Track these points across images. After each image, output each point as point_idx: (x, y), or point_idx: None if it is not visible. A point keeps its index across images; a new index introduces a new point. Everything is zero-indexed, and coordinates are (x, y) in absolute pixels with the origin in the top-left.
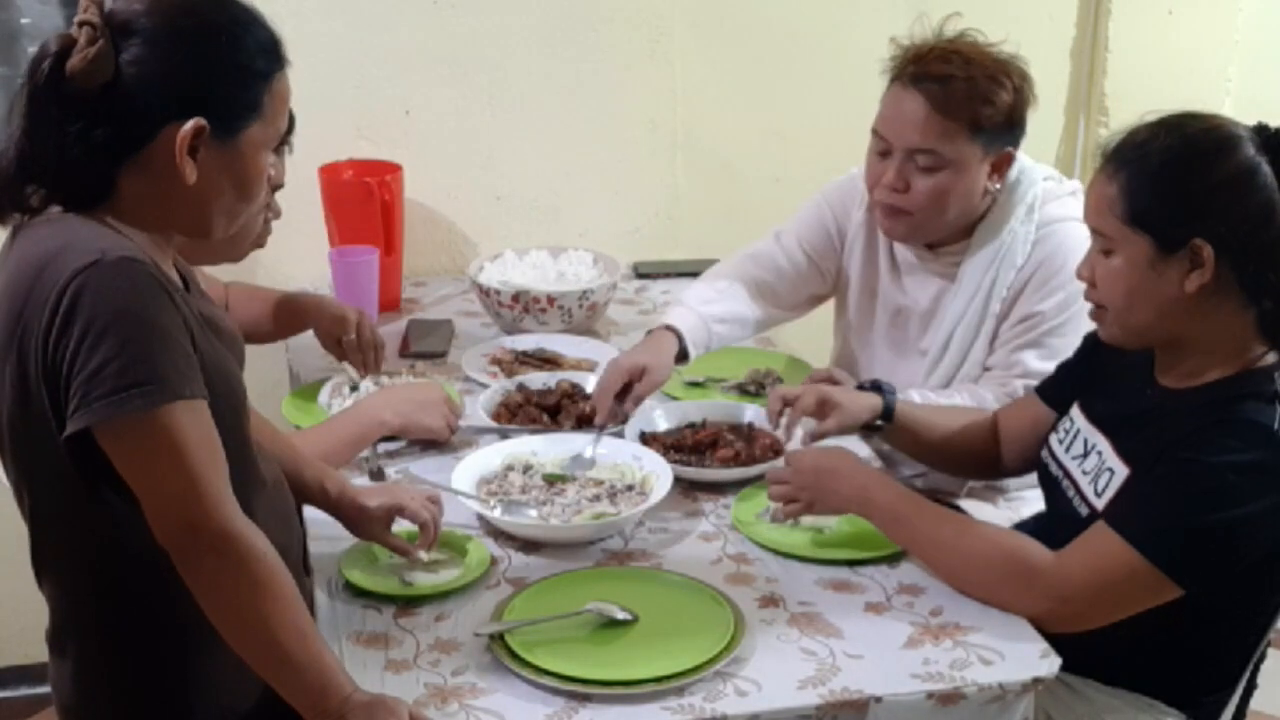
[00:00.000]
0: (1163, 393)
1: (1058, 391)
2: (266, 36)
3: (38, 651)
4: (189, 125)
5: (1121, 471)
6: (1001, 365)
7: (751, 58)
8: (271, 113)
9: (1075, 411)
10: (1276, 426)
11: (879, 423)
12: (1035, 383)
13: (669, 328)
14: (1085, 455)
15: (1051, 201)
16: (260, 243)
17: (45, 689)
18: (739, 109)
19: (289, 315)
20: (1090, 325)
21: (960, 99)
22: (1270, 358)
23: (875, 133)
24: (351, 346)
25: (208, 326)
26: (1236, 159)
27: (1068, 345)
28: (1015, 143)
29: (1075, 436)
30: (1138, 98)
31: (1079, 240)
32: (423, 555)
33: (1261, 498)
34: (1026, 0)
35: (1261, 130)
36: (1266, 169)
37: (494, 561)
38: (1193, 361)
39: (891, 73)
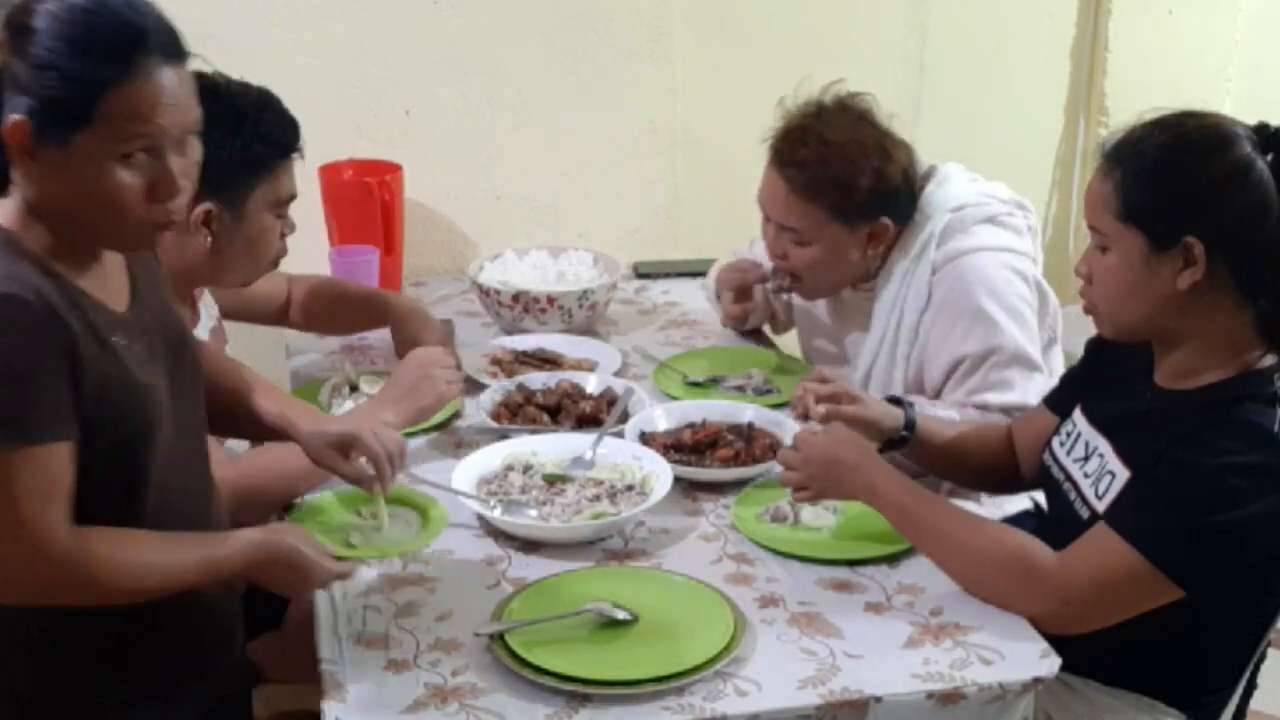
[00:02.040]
0: (1162, 394)
1: (1063, 399)
2: (116, 41)
3: None
4: (9, 122)
5: (1122, 474)
6: (973, 406)
7: (751, 58)
8: (110, 127)
9: (1077, 414)
10: (1276, 428)
11: (904, 433)
12: (1012, 412)
13: None
14: (1086, 458)
15: (955, 236)
16: (276, 262)
17: None
18: (739, 109)
19: (379, 311)
20: (1032, 353)
21: (815, 185)
22: (1269, 359)
23: (759, 201)
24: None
25: (153, 331)
26: (1229, 157)
27: (1015, 375)
28: (892, 213)
29: (1076, 439)
30: (1138, 98)
31: (978, 271)
32: (379, 490)
33: (1262, 499)
34: (1026, 0)
35: (1261, 129)
36: (1261, 167)
37: (447, 524)
38: (1191, 362)
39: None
